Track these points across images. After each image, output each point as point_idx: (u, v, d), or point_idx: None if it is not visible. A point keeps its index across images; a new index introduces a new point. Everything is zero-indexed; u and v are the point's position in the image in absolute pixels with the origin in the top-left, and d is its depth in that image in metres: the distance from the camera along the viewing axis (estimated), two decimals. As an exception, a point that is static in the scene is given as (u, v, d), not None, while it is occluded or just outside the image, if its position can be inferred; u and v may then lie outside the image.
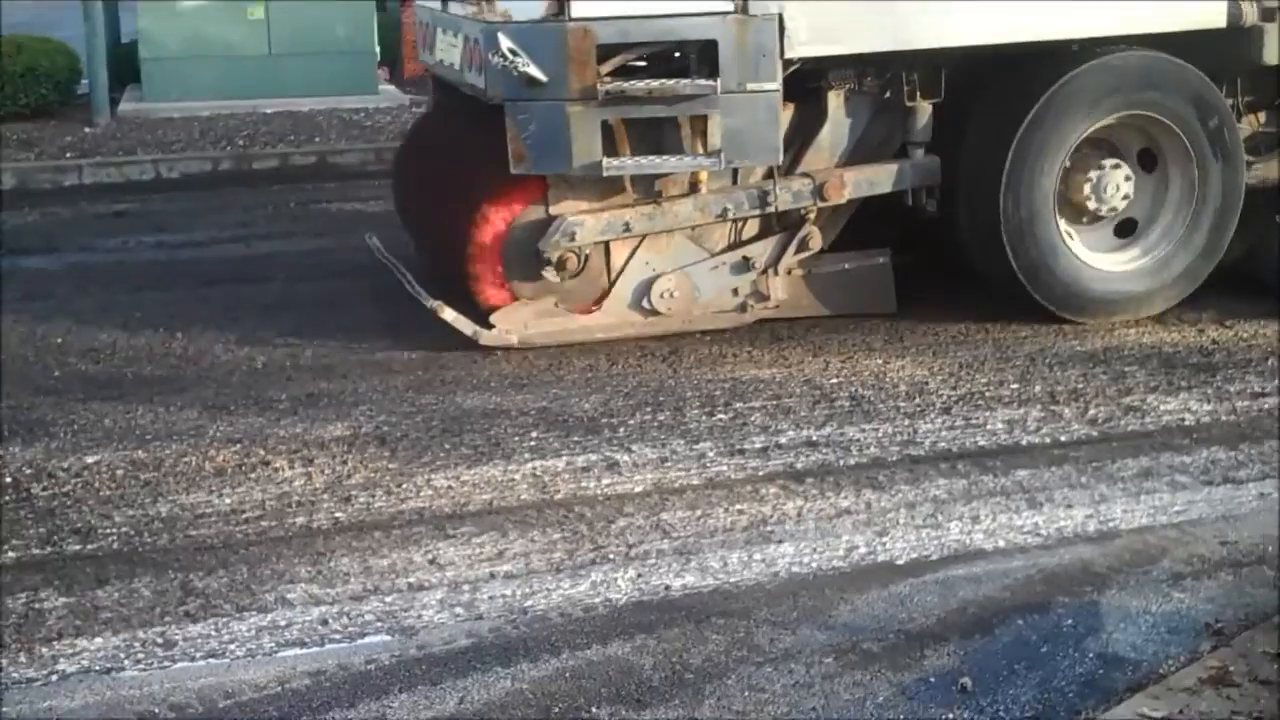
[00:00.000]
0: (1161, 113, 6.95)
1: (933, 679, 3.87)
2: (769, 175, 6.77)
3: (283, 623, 4.23)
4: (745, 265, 6.86)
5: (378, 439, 5.64)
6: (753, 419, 5.82)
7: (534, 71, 6.21)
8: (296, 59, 13.73)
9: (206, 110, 13.10)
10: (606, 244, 6.69)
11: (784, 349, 6.69)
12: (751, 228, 6.91)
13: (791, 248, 6.88)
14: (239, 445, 5.59)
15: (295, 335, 7.01)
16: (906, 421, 5.78)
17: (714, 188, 6.71)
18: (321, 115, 13.01)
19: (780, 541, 4.73)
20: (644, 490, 5.15)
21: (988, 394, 6.07)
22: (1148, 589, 4.36)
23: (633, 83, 6.29)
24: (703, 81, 6.29)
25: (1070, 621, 4.17)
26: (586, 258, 6.67)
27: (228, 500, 5.09)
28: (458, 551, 4.68)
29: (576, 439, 5.62)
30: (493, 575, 4.51)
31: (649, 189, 6.69)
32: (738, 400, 6.02)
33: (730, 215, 6.75)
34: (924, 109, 6.87)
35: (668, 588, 4.43)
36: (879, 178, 6.91)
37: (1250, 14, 6.91)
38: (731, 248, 6.88)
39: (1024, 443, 5.56)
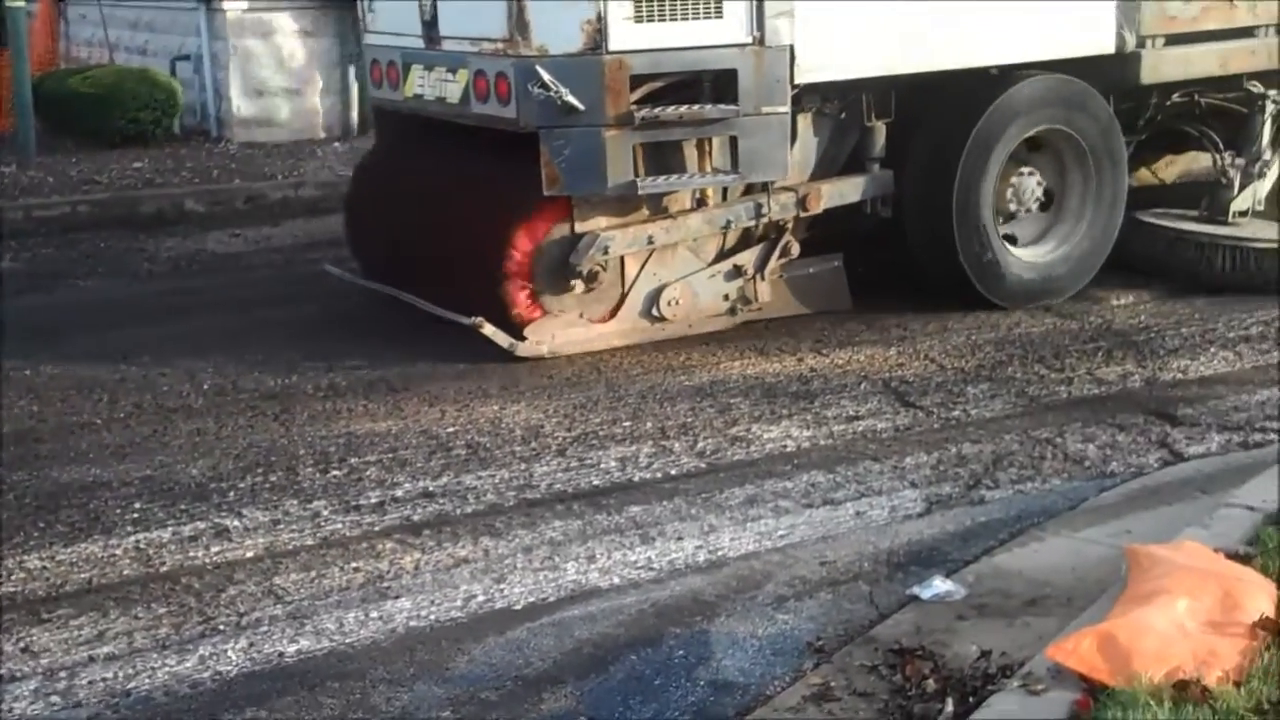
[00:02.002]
0: (1070, 126, 8.04)
1: (550, 722, 3.90)
2: (755, 190, 7.44)
3: None
4: (736, 273, 7.56)
5: (-37, 522, 5.28)
6: (368, 473, 5.74)
7: (573, 100, 6.70)
8: None
9: None
10: (621, 258, 7.24)
11: (400, 400, 6.63)
12: (731, 239, 7.57)
13: (775, 255, 7.59)
14: None
15: None
16: (523, 466, 5.81)
17: (715, 202, 7.42)
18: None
19: (397, 597, 4.67)
20: (255, 555, 5.00)
21: (601, 433, 6.18)
22: (754, 613, 4.51)
23: (666, 109, 6.88)
24: (726, 106, 6.95)
25: (682, 652, 4.27)
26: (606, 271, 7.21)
27: None
28: (53, 636, 4.41)
29: (183, 507, 5.41)
30: (92, 658, 4.28)
31: (658, 205, 7.30)
32: (353, 455, 5.93)
33: (732, 226, 7.44)
34: (880, 128, 7.74)
35: (281, 655, 4.31)
36: (848, 189, 7.76)
37: (1131, 41, 8.08)
38: (719, 257, 7.54)
39: (636, 479, 5.68)
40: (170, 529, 5.21)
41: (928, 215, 7.82)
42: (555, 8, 6.86)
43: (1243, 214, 8.75)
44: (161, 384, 6.89)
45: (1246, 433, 6.05)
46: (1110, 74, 8.14)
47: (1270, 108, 8.74)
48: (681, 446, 6.01)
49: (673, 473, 5.74)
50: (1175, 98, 8.55)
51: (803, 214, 7.55)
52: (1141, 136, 8.62)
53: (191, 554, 5.01)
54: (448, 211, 7.53)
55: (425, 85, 7.66)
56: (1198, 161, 9.75)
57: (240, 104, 12.94)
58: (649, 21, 6.83)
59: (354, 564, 4.91)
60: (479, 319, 7.04)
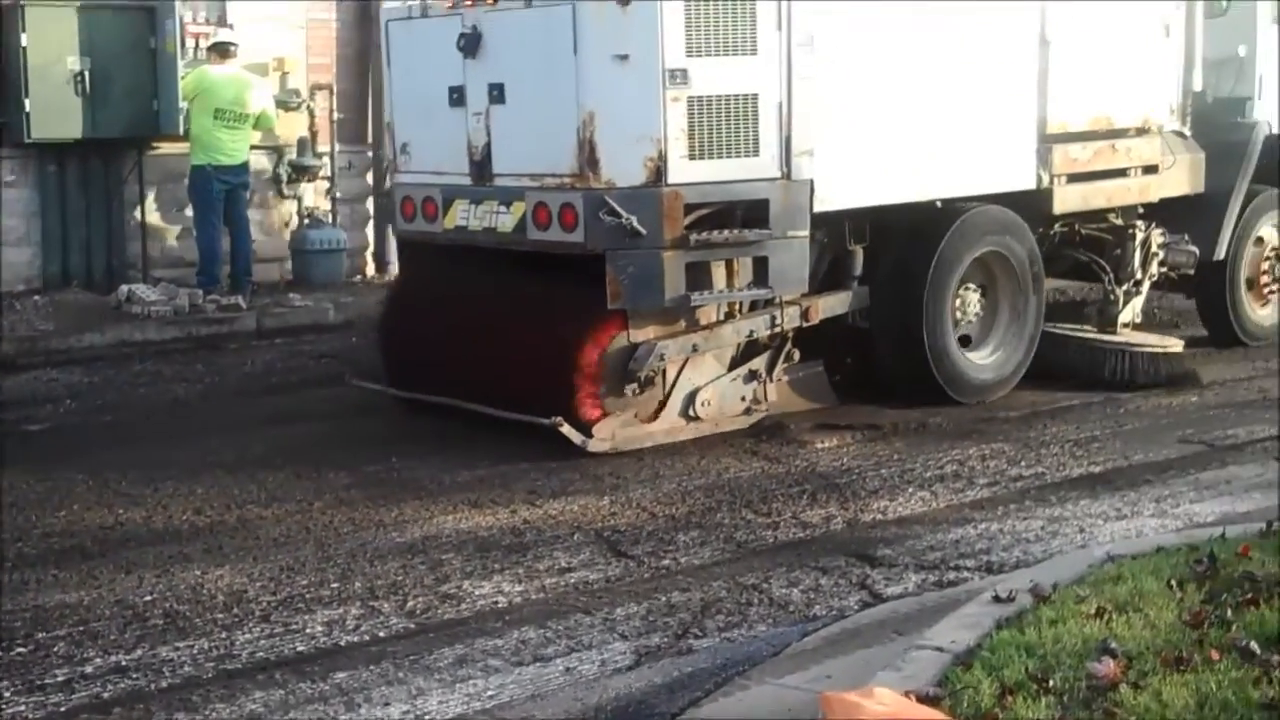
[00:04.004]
0: (1006, 250, 9.51)
1: None
2: (759, 305, 8.60)
3: None
4: (752, 376, 8.72)
5: None
6: (56, 649, 5.44)
7: (638, 226, 7.77)
8: None
9: None
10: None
11: (93, 567, 6.33)
12: (743, 347, 8.68)
13: (780, 359, 8.83)
14: None
15: None
16: (224, 634, 5.60)
17: (739, 315, 8.60)
18: None
19: (82, 783, 4.42)
20: (-74, 746, 4.68)
21: (308, 595, 6.02)
22: (459, 782, 4.42)
23: (714, 233, 8.10)
24: (761, 230, 8.18)
25: (383, 827, 4.14)
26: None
27: None
28: None
29: None
30: None
31: (692, 317, 8.40)
32: (39, 630, 5.61)
33: (754, 335, 8.62)
34: (858, 252, 9.10)
35: None
36: (837, 303, 9.06)
37: (1045, 179, 9.61)
38: (734, 364, 8.67)
39: (343, 643, 5.53)
40: None
41: (897, 327, 9.16)
42: (622, 146, 8.01)
43: (1125, 325, 10.36)
44: None
45: (941, 571, 6.28)
46: (1029, 206, 9.63)
47: (1139, 236, 10.37)
48: (391, 606, 5.90)
49: (381, 635, 5.62)
50: (1058, 227, 10.12)
51: (804, 324, 8.75)
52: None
53: None
54: (505, 327, 8.41)
55: (470, 217, 8.74)
56: (1052, 285, 10.94)
57: (-69, 255, 12.33)
58: (699, 159, 8.05)
59: (36, 750, 4.64)
60: (558, 419, 7.88)
